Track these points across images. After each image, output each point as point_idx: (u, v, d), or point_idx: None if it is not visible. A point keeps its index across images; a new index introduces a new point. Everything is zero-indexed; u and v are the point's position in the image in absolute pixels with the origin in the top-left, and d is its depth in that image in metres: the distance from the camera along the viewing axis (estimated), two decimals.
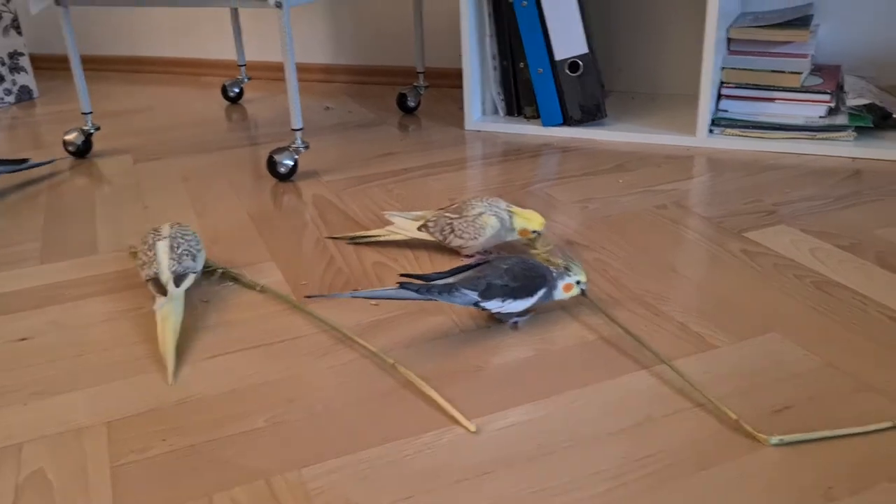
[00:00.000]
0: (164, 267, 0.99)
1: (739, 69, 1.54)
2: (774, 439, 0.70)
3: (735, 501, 0.64)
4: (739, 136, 1.52)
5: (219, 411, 0.78)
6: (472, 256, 1.09)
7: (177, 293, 0.96)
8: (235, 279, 1.06)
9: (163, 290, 0.96)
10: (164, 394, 0.82)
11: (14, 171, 1.53)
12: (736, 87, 1.54)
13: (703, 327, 0.89)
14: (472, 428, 0.73)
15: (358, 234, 1.18)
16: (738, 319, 0.90)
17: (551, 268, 0.94)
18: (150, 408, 0.79)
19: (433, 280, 0.90)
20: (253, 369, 0.85)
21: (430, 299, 0.87)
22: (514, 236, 1.08)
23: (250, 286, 1.04)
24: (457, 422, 0.74)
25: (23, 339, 0.94)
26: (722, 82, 1.56)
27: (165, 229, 1.05)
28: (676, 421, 0.74)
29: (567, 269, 0.93)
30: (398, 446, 0.72)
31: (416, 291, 0.86)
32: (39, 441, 0.75)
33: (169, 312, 0.93)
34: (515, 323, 0.92)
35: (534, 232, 1.06)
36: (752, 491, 0.65)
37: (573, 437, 0.72)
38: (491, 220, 1.06)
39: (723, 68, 1.55)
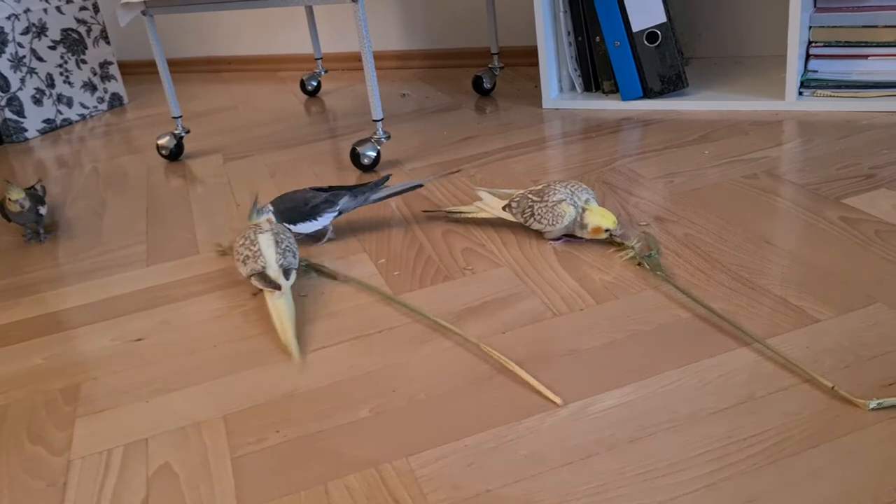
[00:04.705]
0: (272, 260, 1.02)
1: (828, 27, 1.47)
2: (872, 403, 0.69)
3: (847, 481, 0.63)
4: (831, 97, 1.46)
5: (325, 402, 0.82)
6: (558, 240, 1.10)
7: (287, 286, 1.00)
8: (318, 270, 1.10)
9: (270, 284, 1.00)
10: (273, 387, 0.86)
11: None
12: (825, 46, 1.48)
13: (803, 301, 0.87)
14: (558, 401, 0.76)
15: (450, 209, 1.22)
16: (841, 291, 0.88)
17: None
18: (262, 401, 0.84)
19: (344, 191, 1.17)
20: (354, 360, 0.88)
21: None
22: (586, 234, 1.06)
23: (331, 275, 1.08)
24: (544, 396, 0.77)
25: (139, 340, 1.00)
26: (810, 41, 1.50)
27: (265, 225, 1.07)
28: (780, 398, 0.73)
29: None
30: (501, 432, 0.74)
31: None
32: (163, 436, 0.80)
33: (283, 304, 0.97)
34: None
35: (606, 230, 1.04)
36: (865, 469, 0.63)
37: (674, 418, 0.72)
38: (569, 209, 1.05)
39: (810, 27, 1.49)
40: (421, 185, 1.15)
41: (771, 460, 0.66)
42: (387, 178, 1.19)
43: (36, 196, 1.38)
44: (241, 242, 1.07)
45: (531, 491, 0.66)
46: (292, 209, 1.14)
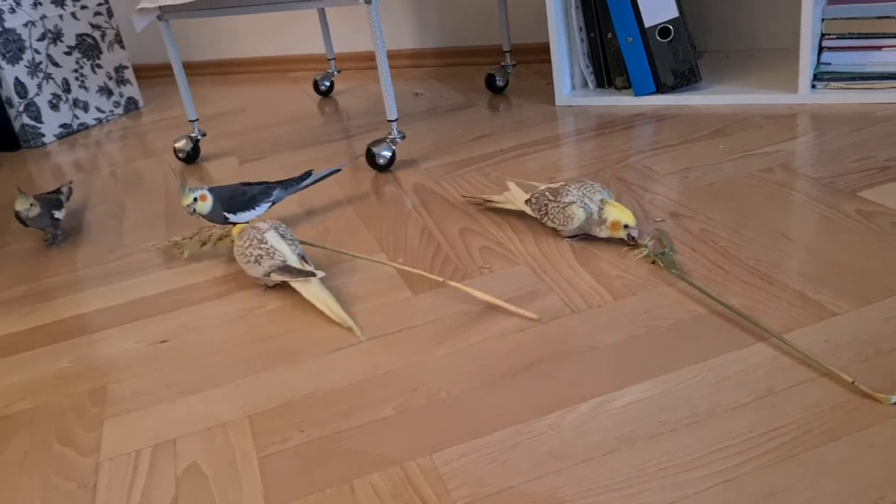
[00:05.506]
0: (288, 252, 1.06)
1: (841, 19, 1.47)
2: (894, 398, 0.70)
3: (869, 474, 0.63)
4: (844, 89, 1.46)
5: (347, 402, 0.83)
6: (574, 237, 1.10)
7: (313, 268, 1.05)
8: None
9: (301, 273, 1.03)
10: (295, 387, 0.87)
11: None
12: (838, 38, 1.48)
13: (821, 294, 0.88)
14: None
15: (484, 196, 1.26)
16: (859, 284, 0.88)
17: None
18: (284, 401, 0.85)
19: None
20: (375, 360, 0.90)
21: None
22: (605, 231, 1.05)
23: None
24: (523, 316, 0.92)
25: (162, 342, 1.01)
26: (822, 34, 1.50)
27: (261, 224, 1.10)
28: (800, 392, 0.73)
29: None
30: (523, 428, 0.74)
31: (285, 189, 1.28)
32: (191, 436, 0.81)
33: (318, 289, 1.02)
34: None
35: (626, 226, 1.03)
36: (886, 462, 0.64)
37: (694, 413, 0.73)
38: (578, 212, 1.05)
39: (823, 19, 1.49)
40: (339, 170, 1.35)
41: (791, 454, 0.66)
42: (310, 172, 1.32)
43: (50, 201, 1.40)
44: (246, 244, 1.07)
45: (554, 487, 0.67)
46: (232, 198, 1.22)
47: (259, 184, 1.27)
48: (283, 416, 0.82)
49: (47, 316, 1.14)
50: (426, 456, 0.73)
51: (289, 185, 1.30)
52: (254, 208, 1.24)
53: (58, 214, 1.40)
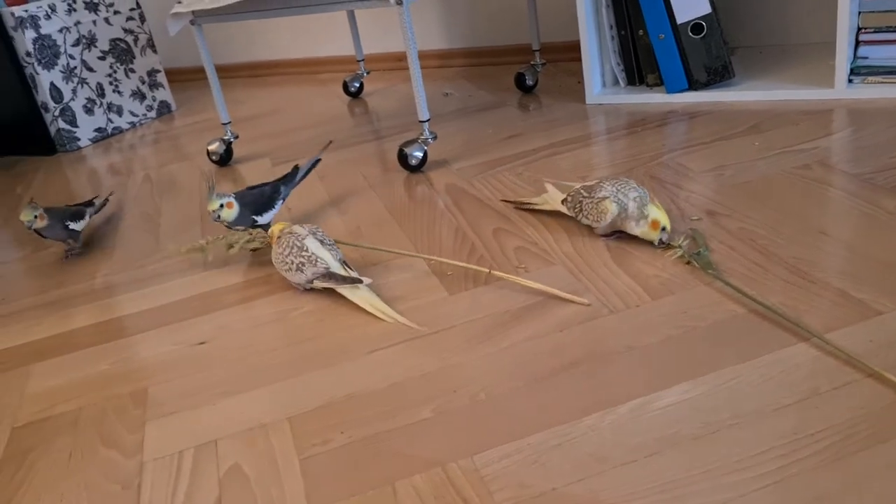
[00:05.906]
0: (330, 259, 1.06)
1: (878, 11, 1.44)
2: None
3: None
4: (883, 83, 1.43)
5: (387, 404, 0.83)
6: (608, 236, 1.10)
7: (356, 274, 1.06)
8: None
9: (347, 280, 1.04)
10: (333, 389, 0.87)
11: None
12: (875, 32, 1.45)
13: (863, 293, 0.86)
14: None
15: (520, 200, 1.27)
16: None
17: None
18: (323, 403, 0.85)
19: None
20: (412, 361, 0.90)
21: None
22: (642, 228, 1.03)
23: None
24: (571, 301, 0.95)
25: (201, 344, 1.02)
26: (859, 28, 1.47)
27: (299, 229, 1.10)
28: (845, 393, 0.72)
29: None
30: (563, 430, 0.74)
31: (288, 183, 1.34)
32: (232, 438, 0.82)
33: (366, 293, 1.04)
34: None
35: (663, 228, 1.02)
36: None
37: (737, 415, 0.72)
38: (612, 206, 1.05)
39: (860, 13, 1.46)
40: (319, 160, 1.42)
41: (838, 457, 0.65)
42: (297, 167, 1.37)
43: (65, 212, 1.37)
44: (286, 252, 1.08)
45: (596, 489, 0.67)
46: (255, 202, 1.27)
47: (264, 184, 1.31)
48: (323, 418, 0.83)
49: (87, 318, 1.16)
50: (467, 457, 0.73)
51: (288, 181, 1.34)
52: (273, 207, 1.29)
53: (74, 225, 1.37)
